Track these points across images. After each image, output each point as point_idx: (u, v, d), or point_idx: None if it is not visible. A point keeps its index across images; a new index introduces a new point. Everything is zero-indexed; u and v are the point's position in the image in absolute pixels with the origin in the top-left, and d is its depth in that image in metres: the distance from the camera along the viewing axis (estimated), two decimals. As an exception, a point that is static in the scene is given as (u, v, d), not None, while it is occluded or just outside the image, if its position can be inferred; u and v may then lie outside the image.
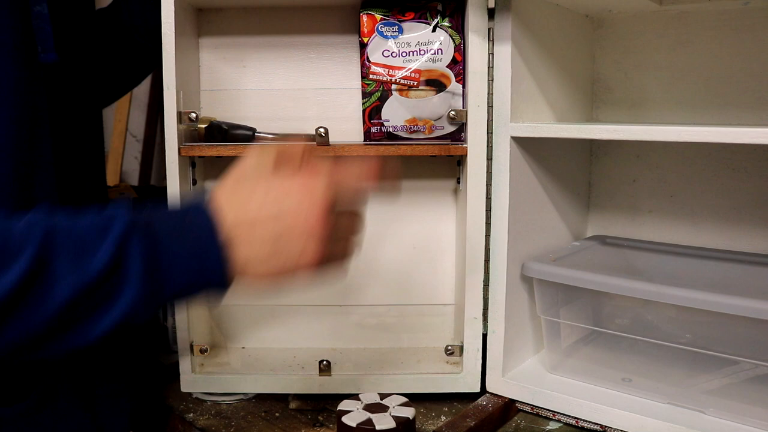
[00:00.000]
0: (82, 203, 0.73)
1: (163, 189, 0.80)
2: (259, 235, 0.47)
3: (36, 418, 0.61)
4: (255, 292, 0.50)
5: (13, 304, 0.42)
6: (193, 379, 0.84)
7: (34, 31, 0.64)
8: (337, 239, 0.50)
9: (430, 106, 0.80)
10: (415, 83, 0.79)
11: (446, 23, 0.79)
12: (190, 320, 0.83)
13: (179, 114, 0.78)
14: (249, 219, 0.48)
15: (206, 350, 0.85)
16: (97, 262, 0.44)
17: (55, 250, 0.44)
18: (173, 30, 0.76)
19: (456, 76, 0.79)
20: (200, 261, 0.47)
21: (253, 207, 0.48)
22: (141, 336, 0.95)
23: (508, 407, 0.80)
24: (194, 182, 0.85)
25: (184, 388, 0.84)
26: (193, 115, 0.80)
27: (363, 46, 0.80)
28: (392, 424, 0.66)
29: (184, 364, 0.83)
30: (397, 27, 0.80)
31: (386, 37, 0.80)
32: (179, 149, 0.79)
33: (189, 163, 0.83)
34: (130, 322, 0.45)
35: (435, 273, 0.92)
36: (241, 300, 0.93)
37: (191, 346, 0.83)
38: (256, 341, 0.94)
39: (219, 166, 0.90)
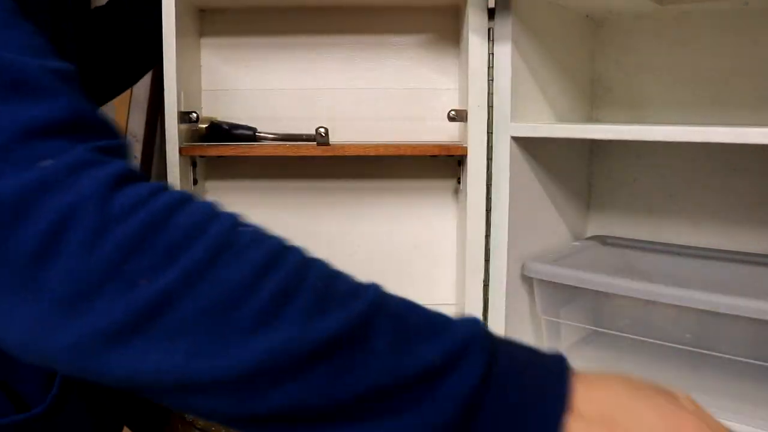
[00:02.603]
0: None
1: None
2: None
3: (47, 424, 0.61)
4: None
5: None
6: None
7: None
8: None
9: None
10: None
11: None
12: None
13: (180, 114, 0.78)
14: (603, 411, 0.35)
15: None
16: (421, 356, 0.34)
17: (383, 314, 0.35)
18: (174, 30, 0.76)
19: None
20: (523, 413, 0.34)
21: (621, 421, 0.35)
22: None
23: (508, 407, 0.80)
24: (195, 182, 0.85)
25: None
26: (194, 115, 0.80)
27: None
28: None
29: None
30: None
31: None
32: (180, 149, 0.79)
33: (190, 162, 0.84)
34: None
35: (435, 273, 0.92)
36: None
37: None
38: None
39: (220, 166, 0.90)
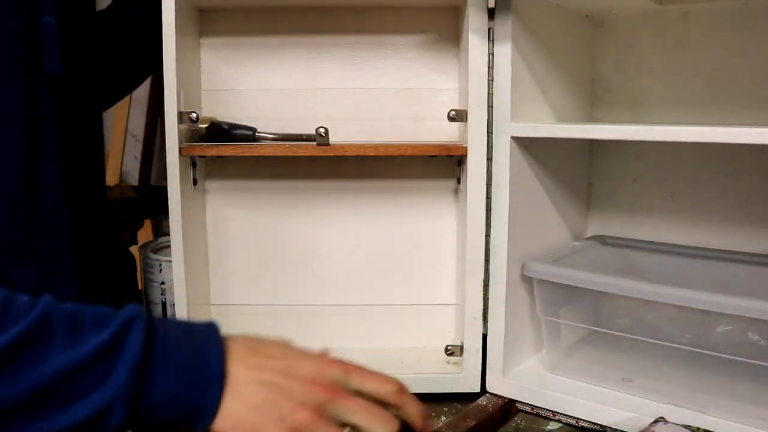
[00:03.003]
0: (84, 204, 0.74)
1: (163, 189, 0.80)
2: (257, 377, 0.46)
3: None
4: None
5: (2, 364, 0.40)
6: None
7: (41, 41, 0.63)
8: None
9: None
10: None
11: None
12: (190, 319, 0.83)
13: (180, 114, 0.78)
14: (254, 360, 0.47)
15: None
16: (93, 342, 0.42)
17: (55, 321, 0.42)
18: (174, 30, 0.76)
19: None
20: (194, 373, 0.44)
21: (263, 353, 0.48)
22: None
23: (508, 407, 0.80)
24: (195, 182, 0.85)
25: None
26: (194, 114, 0.80)
27: None
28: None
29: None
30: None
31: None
32: (180, 149, 0.79)
33: (190, 162, 0.84)
34: (103, 416, 0.42)
35: (435, 273, 0.92)
36: (242, 299, 0.93)
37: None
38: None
39: (220, 166, 0.90)
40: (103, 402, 0.42)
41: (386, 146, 0.80)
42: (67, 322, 0.43)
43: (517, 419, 0.79)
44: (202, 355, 0.45)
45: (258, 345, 0.49)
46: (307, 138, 0.82)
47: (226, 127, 0.84)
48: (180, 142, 0.79)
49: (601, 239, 0.93)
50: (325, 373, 0.48)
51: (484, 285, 0.81)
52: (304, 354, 0.50)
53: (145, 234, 1.96)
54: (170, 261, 0.87)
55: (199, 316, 0.87)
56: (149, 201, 1.00)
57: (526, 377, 0.81)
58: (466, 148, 0.79)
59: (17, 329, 0.41)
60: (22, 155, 0.63)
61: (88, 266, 0.75)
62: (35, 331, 0.41)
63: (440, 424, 0.77)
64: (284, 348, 0.50)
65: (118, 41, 0.83)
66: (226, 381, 0.45)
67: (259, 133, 0.85)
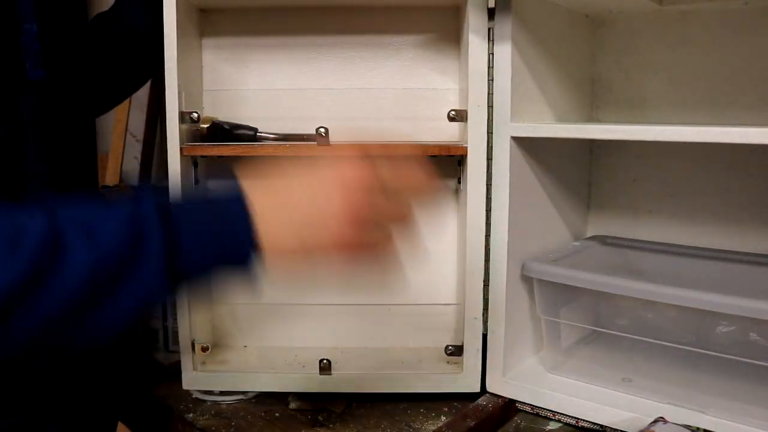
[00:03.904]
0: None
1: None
2: (287, 210, 0.47)
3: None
4: (282, 273, 0.47)
5: (30, 284, 0.40)
6: (194, 376, 0.84)
7: (21, 48, 0.64)
8: (376, 227, 0.49)
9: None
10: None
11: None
12: (192, 319, 0.83)
13: (181, 114, 0.78)
14: (278, 200, 0.48)
15: (207, 348, 0.85)
16: (112, 235, 0.42)
17: (67, 227, 0.42)
18: (175, 30, 0.76)
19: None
20: (225, 226, 0.46)
21: (284, 192, 0.49)
22: (128, 350, 0.95)
23: (508, 407, 0.80)
24: (197, 182, 0.85)
25: (186, 385, 0.84)
26: (195, 115, 0.80)
27: None
28: None
29: (186, 362, 0.83)
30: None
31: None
32: (181, 149, 0.79)
33: (191, 162, 0.84)
34: (152, 299, 0.44)
35: (436, 273, 0.92)
36: (243, 299, 0.93)
37: (193, 345, 0.83)
38: (257, 340, 0.94)
39: (221, 166, 0.90)
40: (146, 287, 0.43)
41: (386, 146, 0.80)
42: (80, 220, 0.43)
43: (517, 419, 0.79)
44: (228, 208, 0.47)
45: (278, 185, 0.51)
46: (307, 138, 0.82)
47: (228, 127, 0.84)
48: (181, 141, 0.79)
49: (601, 239, 0.93)
50: (349, 184, 0.48)
51: (484, 285, 0.81)
52: (324, 174, 0.50)
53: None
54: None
55: (200, 315, 0.87)
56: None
57: (526, 377, 0.82)
58: (466, 148, 0.79)
59: (32, 243, 0.40)
60: (5, 158, 0.63)
61: None
62: (53, 240, 0.41)
63: (440, 424, 0.77)
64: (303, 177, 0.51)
65: (111, 47, 0.82)
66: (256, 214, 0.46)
67: (260, 133, 0.85)
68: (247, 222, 0.46)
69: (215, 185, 0.50)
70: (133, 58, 0.85)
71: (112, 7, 0.84)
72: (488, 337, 0.82)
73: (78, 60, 0.76)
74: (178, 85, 0.77)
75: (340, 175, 0.48)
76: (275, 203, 0.48)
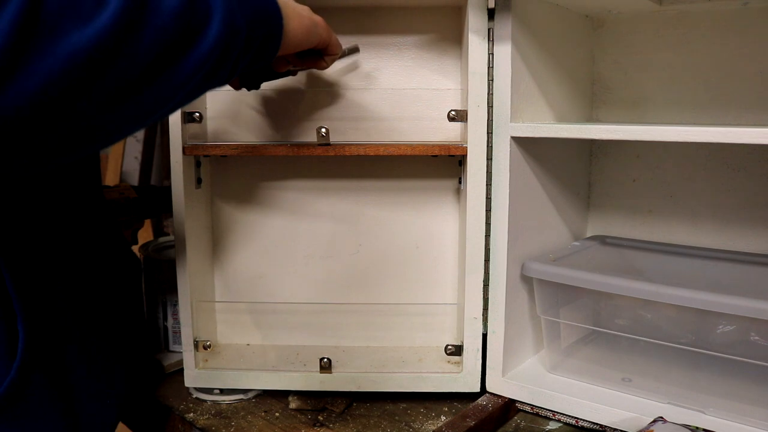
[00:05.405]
0: (78, 206, 0.73)
1: (164, 189, 0.80)
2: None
3: (7, 410, 0.59)
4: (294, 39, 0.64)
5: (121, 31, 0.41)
6: (196, 374, 0.84)
7: None
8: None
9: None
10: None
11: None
12: (193, 317, 0.83)
13: (184, 114, 0.78)
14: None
15: (209, 346, 0.85)
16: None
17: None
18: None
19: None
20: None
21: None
22: (131, 337, 0.95)
23: (508, 407, 0.80)
24: (199, 181, 0.85)
25: (188, 383, 0.85)
26: (197, 114, 0.80)
27: None
28: None
29: (188, 360, 0.84)
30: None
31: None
32: (184, 148, 0.79)
33: (194, 162, 0.84)
34: (217, 54, 0.49)
35: (436, 272, 0.92)
36: (245, 298, 0.93)
37: (195, 343, 0.83)
38: (258, 338, 0.94)
39: (224, 165, 0.91)
40: (216, 35, 0.48)
41: (386, 146, 0.80)
42: None
43: (517, 419, 0.79)
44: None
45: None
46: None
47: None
48: (184, 141, 0.79)
49: (601, 239, 0.94)
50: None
51: (484, 285, 0.81)
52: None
53: (145, 234, 1.96)
54: (171, 261, 0.87)
55: (202, 315, 0.87)
56: (149, 201, 1.00)
57: (526, 377, 0.82)
58: (465, 148, 0.79)
59: (109, 21, 0.41)
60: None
61: (87, 270, 0.74)
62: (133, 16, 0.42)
63: (440, 424, 0.77)
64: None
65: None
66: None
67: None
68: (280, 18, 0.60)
69: None
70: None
71: None
72: (488, 336, 0.82)
73: None
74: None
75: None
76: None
